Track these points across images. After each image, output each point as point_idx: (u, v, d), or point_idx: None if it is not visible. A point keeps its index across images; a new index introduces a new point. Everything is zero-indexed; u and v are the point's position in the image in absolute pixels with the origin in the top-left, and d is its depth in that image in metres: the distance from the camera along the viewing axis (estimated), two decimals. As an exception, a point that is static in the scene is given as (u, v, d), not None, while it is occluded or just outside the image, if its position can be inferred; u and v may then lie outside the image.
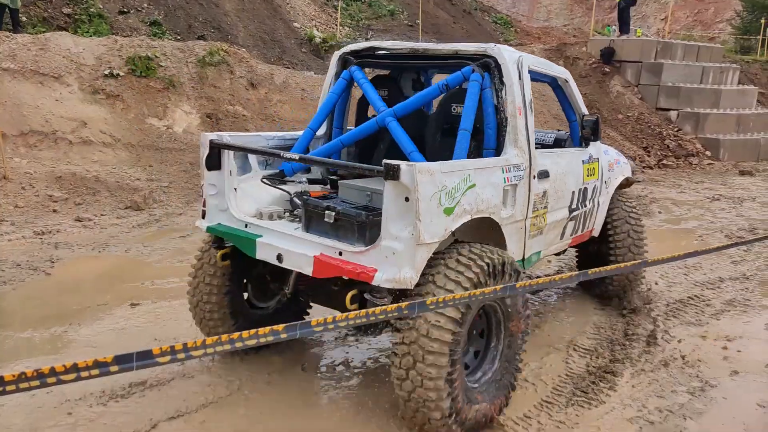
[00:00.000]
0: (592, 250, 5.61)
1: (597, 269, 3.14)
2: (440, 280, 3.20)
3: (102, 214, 8.07)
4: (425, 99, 4.12)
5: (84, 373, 1.51)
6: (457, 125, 3.79)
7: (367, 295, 3.31)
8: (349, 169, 3.82)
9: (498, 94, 3.84)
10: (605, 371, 4.33)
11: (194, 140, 10.52)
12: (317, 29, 16.42)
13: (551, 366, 4.41)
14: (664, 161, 14.53)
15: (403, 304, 2.19)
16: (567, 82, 4.83)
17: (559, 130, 5.74)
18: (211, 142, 3.80)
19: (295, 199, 3.95)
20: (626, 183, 5.73)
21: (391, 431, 3.53)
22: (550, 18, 34.62)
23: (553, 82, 4.84)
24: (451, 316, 3.13)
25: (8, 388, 1.42)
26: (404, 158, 3.63)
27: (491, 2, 27.91)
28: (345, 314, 2.01)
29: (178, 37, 13.38)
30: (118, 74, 10.60)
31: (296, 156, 3.69)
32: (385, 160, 3.08)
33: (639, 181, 12.25)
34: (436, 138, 4.32)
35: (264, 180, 4.08)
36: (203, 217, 3.96)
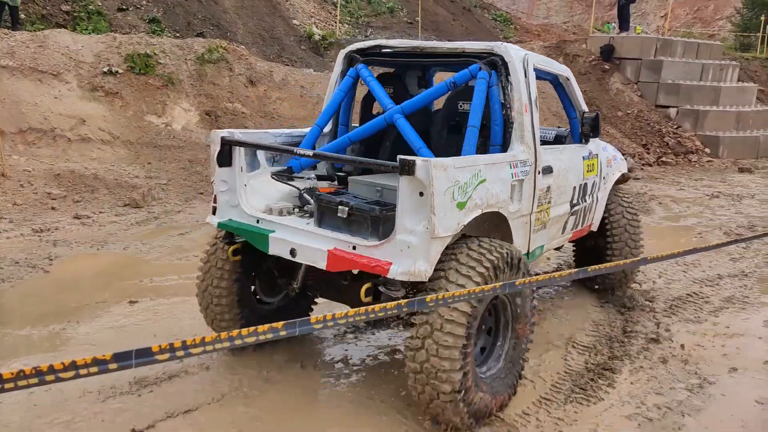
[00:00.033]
0: (590, 245, 5.70)
1: (597, 266, 3.16)
2: (452, 275, 3.25)
3: (100, 212, 8.06)
4: (433, 96, 4.17)
5: (83, 371, 1.51)
6: (464, 122, 3.85)
7: (381, 288, 3.36)
8: (364, 165, 3.87)
9: (505, 92, 3.90)
10: (604, 368, 4.34)
11: (193, 138, 10.51)
12: (316, 26, 16.38)
13: (550, 363, 4.42)
14: (664, 158, 14.52)
15: (403, 302, 2.20)
16: (568, 79, 4.90)
17: (559, 127, 5.81)
18: (222, 139, 3.84)
19: (305, 195, 3.98)
20: (623, 179, 5.82)
21: (391, 427, 3.54)
22: (550, 15, 34.58)
23: (555, 80, 4.91)
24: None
25: (7, 386, 1.42)
26: (410, 154, 3.66)
27: (491, -1, 27.85)
28: (344, 312, 2.02)
29: (177, 35, 13.33)
30: (116, 71, 10.57)
31: (310, 152, 3.74)
32: (399, 156, 3.14)
33: (638, 179, 12.26)
34: (442, 134, 4.38)
35: (274, 176, 4.12)
36: (214, 213, 3.99)
